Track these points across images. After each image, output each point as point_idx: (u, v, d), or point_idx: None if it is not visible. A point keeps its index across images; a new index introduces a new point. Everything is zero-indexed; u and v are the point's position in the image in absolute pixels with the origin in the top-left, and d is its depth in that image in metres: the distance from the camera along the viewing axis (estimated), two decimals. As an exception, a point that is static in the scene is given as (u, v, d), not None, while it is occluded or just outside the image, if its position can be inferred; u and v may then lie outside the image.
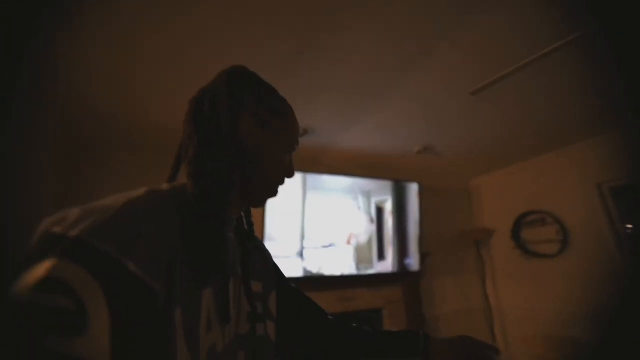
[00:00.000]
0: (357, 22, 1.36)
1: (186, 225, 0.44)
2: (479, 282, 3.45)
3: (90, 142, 2.19)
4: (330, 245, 2.50)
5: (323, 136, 2.39)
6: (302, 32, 1.40)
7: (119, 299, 0.33)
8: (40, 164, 1.89)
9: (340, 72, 1.68)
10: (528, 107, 2.20)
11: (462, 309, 3.42)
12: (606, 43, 1.52)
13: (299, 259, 2.35)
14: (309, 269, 2.39)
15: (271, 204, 2.27)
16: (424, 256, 3.02)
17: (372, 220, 2.64)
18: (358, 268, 2.57)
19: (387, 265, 2.70)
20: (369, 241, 2.65)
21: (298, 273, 2.34)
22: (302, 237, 2.40)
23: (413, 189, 2.91)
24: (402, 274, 2.85)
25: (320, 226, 2.49)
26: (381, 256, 2.69)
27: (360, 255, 2.60)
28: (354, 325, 0.78)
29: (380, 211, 2.73)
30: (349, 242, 2.58)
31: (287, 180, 0.63)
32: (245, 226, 0.64)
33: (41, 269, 0.31)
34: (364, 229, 2.63)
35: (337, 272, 2.50)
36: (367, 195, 2.70)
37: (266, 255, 0.73)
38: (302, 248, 2.39)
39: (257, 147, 0.56)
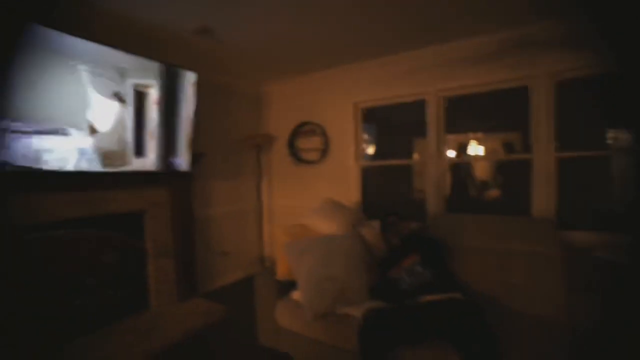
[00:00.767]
0: None
1: None
2: (255, 185, 3.67)
3: None
4: (57, 132, 1.82)
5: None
6: None
7: None
8: None
9: None
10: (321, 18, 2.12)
11: (236, 210, 3.60)
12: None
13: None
14: (13, 159, 1.68)
15: None
16: (197, 156, 2.80)
17: (121, 101, 2.08)
18: (104, 164, 2.06)
19: (148, 163, 2.32)
20: (120, 133, 2.13)
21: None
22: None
23: (188, 79, 2.48)
24: (169, 173, 2.55)
25: (39, 102, 1.74)
26: (139, 152, 2.25)
27: (108, 149, 2.07)
28: None
29: (140, 97, 2.19)
30: (92, 132, 1.97)
31: None
32: None
33: None
34: (110, 114, 2.05)
35: (68, 166, 1.90)
36: (122, 73, 2.07)
37: None
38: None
39: None
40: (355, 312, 1.70)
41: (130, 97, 2.15)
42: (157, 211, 2.62)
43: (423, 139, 2.95)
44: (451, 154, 3.31)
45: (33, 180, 1.86)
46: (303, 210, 2.65)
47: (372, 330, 1.48)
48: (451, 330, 1.39)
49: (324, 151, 3.42)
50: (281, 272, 2.05)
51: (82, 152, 1.96)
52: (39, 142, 1.77)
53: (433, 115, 2.83)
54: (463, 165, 3.58)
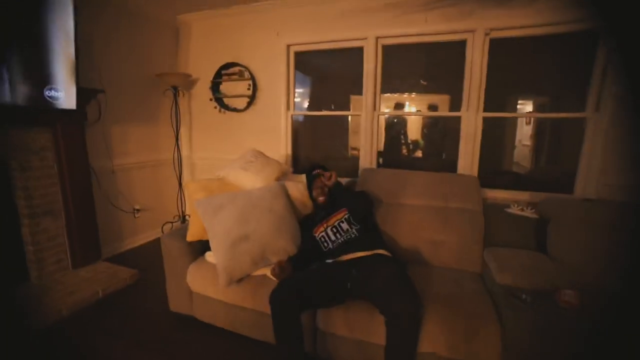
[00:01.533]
0: None
1: None
2: (172, 133, 3.18)
3: None
4: None
5: None
6: None
7: None
8: None
9: None
10: None
11: (150, 161, 3.11)
12: None
13: None
14: None
15: None
16: (90, 92, 2.24)
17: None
18: None
19: (8, 95, 1.74)
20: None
21: None
22: None
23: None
24: (45, 111, 1.99)
25: None
26: (-10, 79, 1.66)
27: None
28: None
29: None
30: None
31: None
32: None
33: None
34: None
35: None
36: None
37: None
38: None
39: None
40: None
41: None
42: (32, 159, 2.07)
43: (359, 96, 2.77)
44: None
45: None
46: (227, 164, 2.34)
47: (281, 292, 1.34)
48: (371, 289, 1.32)
49: (252, 98, 3.05)
50: (193, 233, 1.79)
51: None
52: None
53: (370, 65, 2.64)
54: (397, 122, 3.54)
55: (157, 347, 1.66)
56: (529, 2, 2.14)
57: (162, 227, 3.24)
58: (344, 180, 2.20)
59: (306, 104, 3.35)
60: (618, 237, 1.47)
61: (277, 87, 2.96)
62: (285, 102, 2.96)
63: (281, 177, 2.13)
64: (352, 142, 3.57)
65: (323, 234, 1.72)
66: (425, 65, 2.98)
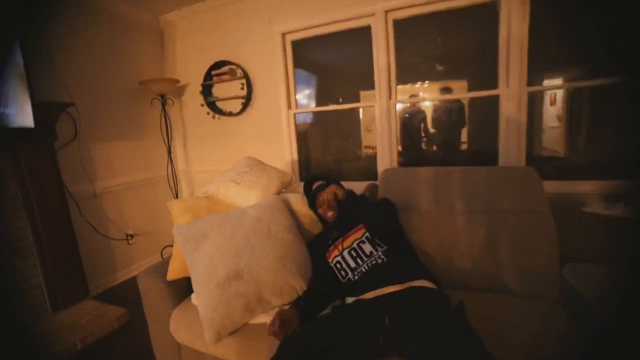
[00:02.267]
0: None
1: None
2: (164, 146, 2.84)
3: None
4: None
5: None
6: None
7: None
8: None
9: None
10: None
11: (141, 180, 2.78)
12: None
13: None
14: None
15: None
16: (54, 107, 1.92)
17: None
18: None
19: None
20: None
21: None
22: None
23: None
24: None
25: None
26: None
27: None
28: None
29: None
30: None
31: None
32: None
33: None
34: None
35: None
36: None
37: None
38: None
39: None
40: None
41: None
42: (-10, 190, 1.75)
43: (370, 91, 2.35)
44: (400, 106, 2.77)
45: None
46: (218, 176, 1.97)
47: (286, 356, 0.93)
48: (418, 352, 0.89)
49: (247, 98, 2.67)
50: (174, 269, 1.40)
51: None
52: None
53: (381, 46, 2.21)
54: (415, 115, 3.08)
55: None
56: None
57: (161, 252, 2.91)
58: (358, 185, 1.78)
59: (313, 105, 2.95)
60: None
61: (275, 84, 2.57)
62: (285, 99, 2.57)
63: (283, 189, 1.73)
64: (365, 140, 3.16)
65: (339, 259, 1.30)
66: (442, 46, 2.54)
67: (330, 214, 1.44)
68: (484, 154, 2.44)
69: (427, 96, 2.60)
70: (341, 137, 3.22)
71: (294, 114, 2.60)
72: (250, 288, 1.18)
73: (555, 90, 2.30)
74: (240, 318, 1.17)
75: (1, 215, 1.79)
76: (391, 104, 2.26)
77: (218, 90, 2.82)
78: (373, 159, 2.43)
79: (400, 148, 2.37)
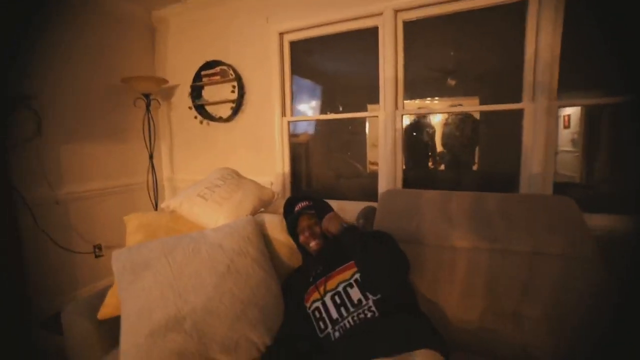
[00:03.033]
0: None
1: None
2: (147, 151, 2.58)
3: None
4: None
5: None
6: None
7: None
8: None
9: None
10: None
11: (117, 186, 2.51)
12: None
13: None
14: None
15: None
16: (7, 99, 1.68)
17: None
18: None
19: None
20: None
21: None
22: None
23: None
24: None
25: None
26: None
27: None
28: None
29: None
30: None
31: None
32: None
33: None
34: None
35: None
36: None
37: None
38: None
39: None
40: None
41: None
42: None
43: (375, 104, 2.09)
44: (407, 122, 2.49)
45: None
46: (187, 189, 1.69)
47: None
48: None
49: (239, 103, 2.41)
50: (109, 305, 1.10)
51: None
52: None
53: (389, 49, 1.95)
54: (424, 130, 2.79)
55: None
56: None
57: (134, 268, 2.60)
58: (354, 205, 1.48)
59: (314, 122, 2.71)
60: None
61: (269, 88, 2.32)
62: (279, 106, 2.31)
63: (262, 208, 1.43)
64: (371, 156, 2.90)
65: (318, 304, 0.99)
66: (455, 57, 2.29)
67: (313, 243, 1.13)
68: (500, 176, 2.15)
69: (438, 107, 2.31)
70: (341, 151, 2.95)
71: (288, 122, 2.33)
72: (191, 342, 0.88)
73: (569, 112, 2.09)
74: (175, 385, 0.85)
75: None
76: (397, 114, 1.98)
77: (208, 93, 2.58)
78: (376, 176, 2.14)
79: (404, 167, 2.07)
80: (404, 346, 0.80)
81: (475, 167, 2.60)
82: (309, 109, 2.77)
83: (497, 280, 1.06)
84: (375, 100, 2.08)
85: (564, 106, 1.68)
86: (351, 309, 0.92)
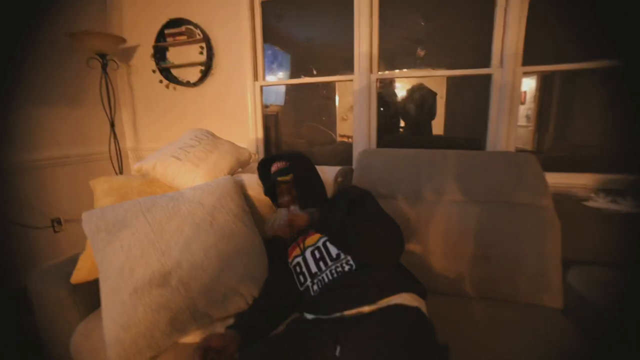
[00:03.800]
0: None
1: None
2: (105, 116, 2.39)
3: None
4: None
5: None
6: None
7: None
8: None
9: None
10: None
11: (74, 155, 2.32)
12: None
13: None
14: None
15: None
16: None
17: None
18: None
19: None
20: None
21: None
22: None
23: None
24: None
25: None
26: None
27: None
28: None
29: None
30: None
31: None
32: None
33: None
34: None
35: None
36: None
37: None
38: None
39: None
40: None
41: None
42: None
43: (347, 74, 2.05)
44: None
45: None
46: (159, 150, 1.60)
47: None
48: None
49: (208, 66, 2.28)
50: (83, 268, 1.05)
51: None
52: None
53: (364, 5, 1.91)
54: (394, 97, 2.82)
55: None
56: None
57: (100, 242, 2.47)
58: (332, 169, 1.50)
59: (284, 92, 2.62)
60: None
61: (241, 51, 2.21)
62: (251, 69, 2.21)
63: (239, 168, 1.41)
64: (341, 129, 2.90)
65: (299, 260, 1.01)
66: (426, 27, 2.29)
67: (293, 208, 1.13)
68: (468, 141, 2.25)
69: (411, 72, 2.33)
70: (315, 118, 2.92)
71: (261, 87, 2.26)
72: (179, 297, 0.87)
73: (525, 89, 2.17)
74: (164, 338, 0.85)
75: None
76: (372, 78, 1.98)
77: (174, 55, 2.40)
78: (348, 145, 2.15)
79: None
80: (379, 293, 0.84)
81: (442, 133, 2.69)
82: (279, 79, 2.69)
83: (465, 228, 1.14)
84: (348, 71, 2.06)
85: (529, 72, 1.77)
86: (329, 263, 0.95)
